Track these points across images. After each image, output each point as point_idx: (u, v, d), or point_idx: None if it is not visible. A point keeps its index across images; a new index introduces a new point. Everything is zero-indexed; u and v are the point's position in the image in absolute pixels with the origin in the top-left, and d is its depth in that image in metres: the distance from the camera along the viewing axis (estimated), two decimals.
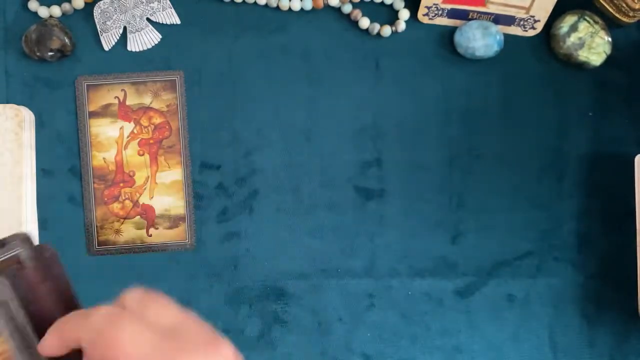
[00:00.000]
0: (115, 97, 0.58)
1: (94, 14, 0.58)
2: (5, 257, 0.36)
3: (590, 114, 0.61)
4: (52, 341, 0.35)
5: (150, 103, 0.59)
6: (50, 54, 0.57)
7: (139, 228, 0.58)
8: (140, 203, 0.58)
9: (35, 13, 0.58)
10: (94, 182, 0.58)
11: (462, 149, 0.60)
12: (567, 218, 0.60)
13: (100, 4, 0.58)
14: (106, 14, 0.58)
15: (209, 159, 0.59)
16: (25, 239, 0.37)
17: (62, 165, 0.58)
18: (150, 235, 0.58)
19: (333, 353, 0.59)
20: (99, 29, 0.58)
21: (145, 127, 0.59)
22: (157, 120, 0.59)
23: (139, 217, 0.58)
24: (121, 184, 0.58)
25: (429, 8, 0.58)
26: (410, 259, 0.60)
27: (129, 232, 0.58)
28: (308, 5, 0.59)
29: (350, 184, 0.59)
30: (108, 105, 0.58)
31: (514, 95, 0.60)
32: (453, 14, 0.59)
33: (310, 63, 0.59)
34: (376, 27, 0.59)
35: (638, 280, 0.57)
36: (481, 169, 0.60)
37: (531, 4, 0.58)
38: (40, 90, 0.58)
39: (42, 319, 0.35)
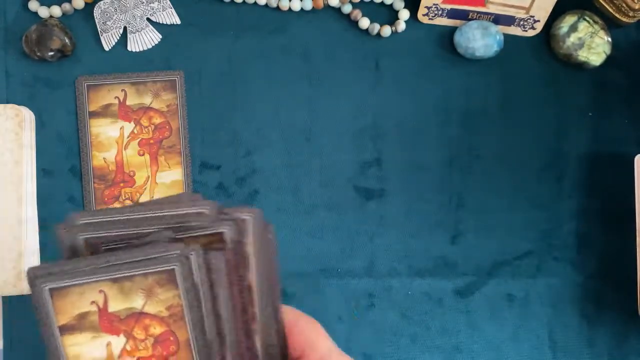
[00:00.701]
0: (116, 97, 0.58)
1: (94, 14, 0.58)
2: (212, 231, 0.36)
3: (590, 114, 0.61)
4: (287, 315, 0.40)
5: (151, 103, 0.59)
6: (50, 54, 0.57)
7: None
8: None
9: (36, 13, 0.58)
10: (94, 182, 0.58)
11: (462, 149, 0.60)
12: (567, 218, 0.60)
13: (101, 4, 0.58)
14: (106, 14, 0.58)
15: (209, 159, 0.59)
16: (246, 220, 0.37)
17: (62, 165, 0.58)
18: None
19: None
20: (99, 29, 0.59)
21: (146, 127, 0.59)
22: (157, 120, 0.59)
23: None
24: (121, 184, 0.58)
25: (428, 8, 0.58)
26: (410, 259, 0.60)
27: None
28: (308, 5, 0.59)
29: (350, 184, 0.60)
30: (108, 105, 0.58)
31: (513, 95, 0.60)
32: (453, 14, 0.59)
33: (310, 63, 0.59)
34: (376, 27, 0.59)
35: (638, 280, 0.57)
36: (481, 169, 0.60)
37: (531, 4, 0.58)
38: (40, 90, 0.58)
39: (218, 302, 0.37)
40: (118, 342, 0.36)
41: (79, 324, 0.36)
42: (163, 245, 0.35)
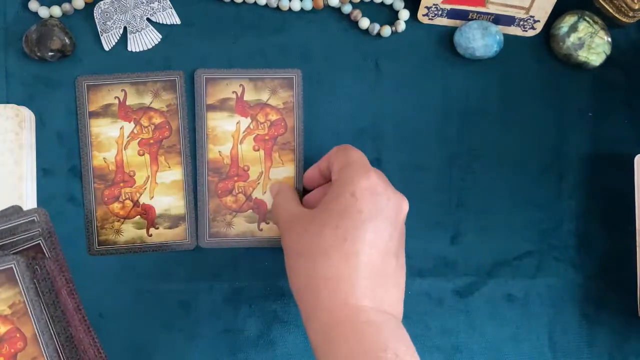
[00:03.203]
0: (116, 97, 0.58)
1: (95, 14, 0.58)
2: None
3: (590, 114, 0.61)
4: (314, 172, 0.56)
5: (151, 103, 0.59)
6: (50, 54, 0.57)
7: (139, 228, 0.58)
8: (141, 203, 0.58)
9: (36, 13, 0.58)
10: (94, 182, 0.58)
11: (462, 149, 0.60)
12: (567, 218, 0.60)
13: (101, 4, 0.58)
14: (106, 14, 0.58)
15: None
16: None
17: (62, 165, 0.58)
18: (151, 235, 0.58)
19: None
20: (99, 29, 0.59)
21: (146, 127, 0.59)
22: (157, 120, 0.59)
23: (139, 217, 0.58)
24: (121, 184, 0.58)
25: (428, 8, 0.58)
26: (410, 259, 0.59)
27: (129, 232, 0.58)
28: (308, 6, 0.59)
29: None
30: (108, 105, 0.58)
31: (513, 95, 0.60)
32: (453, 14, 0.59)
33: (310, 63, 0.59)
34: (376, 27, 0.59)
35: (638, 280, 0.57)
36: (481, 169, 0.60)
37: (531, 4, 0.58)
38: (40, 90, 0.58)
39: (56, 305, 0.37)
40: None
41: None
42: None
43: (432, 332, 0.59)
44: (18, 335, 0.36)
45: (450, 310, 0.60)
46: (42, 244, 0.38)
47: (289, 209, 0.53)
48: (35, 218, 0.39)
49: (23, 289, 0.35)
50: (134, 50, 0.59)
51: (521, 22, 0.59)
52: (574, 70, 0.60)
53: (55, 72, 0.58)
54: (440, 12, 0.59)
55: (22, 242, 0.38)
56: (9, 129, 0.56)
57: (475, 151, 0.60)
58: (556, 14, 0.58)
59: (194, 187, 0.59)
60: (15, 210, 0.39)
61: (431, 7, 0.58)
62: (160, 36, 0.59)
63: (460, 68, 0.60)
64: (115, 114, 0.59)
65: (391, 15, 0.60)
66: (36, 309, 0.35)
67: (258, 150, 0.59)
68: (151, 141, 0.59)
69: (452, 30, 0.60)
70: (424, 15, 0.59)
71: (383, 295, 0.47)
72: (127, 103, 0.59)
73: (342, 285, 0.45)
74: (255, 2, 0.59)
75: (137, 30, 0.59)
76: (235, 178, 0.59)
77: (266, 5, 0.59)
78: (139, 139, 0.59)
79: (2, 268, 0.36)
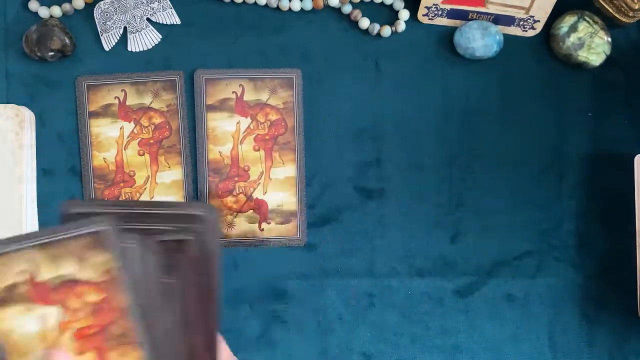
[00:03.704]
0: (116, 97, 0.58)
1: (95, 14, 0.58)
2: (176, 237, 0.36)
3: (590, 114, 0.61)
4: None
5: (151, 103, 0.59)
6: (50, 54, 0.57)
7: None
8: None
9: (36, 13, 0.58)
10: (94, 182, 0.58)
11: (462, 149, 0.60)
12: (567, 218, 0.60)
13: (101, 4, 0.58)
14: (106, 14, 0.58)
15: None
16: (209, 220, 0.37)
17: (62, 165, 0.58)
18: None
19: (333, 353, 0.59)
20: (99, 29, 0.59)
21: (146, 127, 0.59)
22: (157, 120, 0.59)
23: None
24: (121, 184, 0.58)
25: (428, 8, 0.58)
26: (410, 259, 0.60)
27: None
28: (308, 6, 0.59)
29: (350, 184, 0.60)
30: (108, 106, 0.58)
31: (513, 95, 0.60)
32: (453, 14, 0.59)
33: (310, 63, 0.59)
34: (376, 27, 0.59)
35: (638, 280, 0.57)
36: (481, 169, 0.60)
37: (531, 4, 0.58)
38: (40, 91, 0.58)
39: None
40: (53, 314, 0.34)
41: (8, 297, 0.34)
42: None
43: (432, 332, 0.59)
44: (109, 305, 0.34)
45: (450, 310, 0.60)
46: (192, 242, 0.37)
47: None
48: (205, 215, 0.37)
49: (116, 255, 0.34)
50: (134, 50, 0.59)
51: (521, 22, 0.59)
52: (574, 70, 0.60)
53: (55, 72, 0.58)
54: (440, 12, 0.59)
55: (178, 231, 0.37)
56: (9, 129, 0.56)
57: (475, 151, 0.60)
58: (556, 14, 0.58)
59: (194, 188, 0.59)
60: (191, 205, 0.38)
61: (431, 7, 0.58)
62: (160, 36, 0.59)
63: (460, 68, 0.60)
64: (115, 114, 0.59)
65: (391, 15, 0.60)
66: (129, 278, 0.34)
67: (258, 150, 0.59)
68: (151, 141, 0.59)
69: (452, 30, 0.60)
70: (424, 15, 0.59)
71: None
72: (127, 103, 0.59)
73: None
74: (255, 2, 0.59)
75: (137, 30, 0.59)
76: (236, 178, 0.59)
77: (266, 5, 0.59)
78: (139, 139, 0.59)
79: (91, 231, 0.34)
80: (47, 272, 0.34)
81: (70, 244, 0.34)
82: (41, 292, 0.34)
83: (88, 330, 0.34)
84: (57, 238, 0.33)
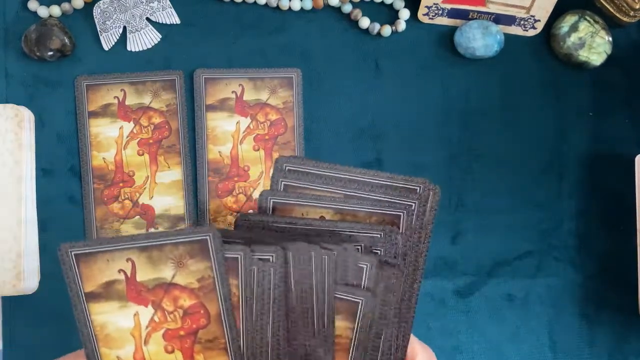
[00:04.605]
0: (115, 97, 0.58)
1: (94, 14, 0.58)
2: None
3: (590, 114, 0.61)
4: None
5: (150, 103, 0.59)
6: (50, 53, 0.57)
7: (138, 228, 0.58)
8: (140, 203, 0.58)
9: (35, 13, 0.58)
10: (93, 182, 0.58)
11: (462, 149, 0.60)
12: (567, 218, 0.60)
13: (100, 3, 0.58)
14: (106, 14, 0.58)
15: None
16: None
17: (62, 165, 0.58)
18: None
19: None
20: (98, 29, 0.58)
21: (145, 127, 0.59)
22: (157, 120, 0.59)
23: (138, 217, 0.58)
24: (121, 184, 0.58)
25: (429, 8, 0.58)
26: None
27: (128, 232, 0.58)
28: (308, 5, 0.59)
29: None
30: (108, 105, 0.58)
31: (514, 95, 0.60)
32: (453, 13, 0.59)
33: (310, 63, 0.59)
34: (376, 26, 0.59)
35: (638, 280, 0.57)
36: (481, 169, 0.60)
37: (531, 4, 0.57)
38: (40, 90, 0.58)
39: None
40: (146, 313, 0.35)
41: (106, 293, 0.35)
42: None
43: (433, 333, 0.59)
44: (202, 311, 0.35)
45: (450, 310, 0.60)
46: (402, 218, 0.37)
47: None
48: (418, 188, 0.38)
49: (214, 264, 0.35)
50: (133, 49, 0.59)
51: (522, 22, 0.59)
52: (574, 70, 0.60)
53: (55, 72, 0.58)
54: (440, 12, 0.59)
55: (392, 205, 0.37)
56: (8, 129, 0.56)
57: (475, 151, 0.60)
58: (557, 14, 0.58)
59: (193, 188, 0.59)
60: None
61: (431, 6, 0.58)
62: (160, 36, 0.59)
63: (461, 68, 0.60)
64: (115, 114, 0.58)
65: (391, 15, 0.60)
66: (224, 287, 0.35)
67: (258, 150, 0.59)
68: (150, 141, 0.59)
69: (452, 30, 0.60)
70: (424, 14, 0.59)
71: None
72: (127, 103, 0.58)
73: None
74: (255, 2, 0.59)
75: (137, 30, 0.59)
76: (236, 178, 0.59)
77: (266, 4, 0.59)
78: (139, 139, 0.58)
79: (196, 238, 0.35)
80: (146, 274, 0.35)
81: (172, 249, 0.35)
82: (137, 292, 0.35)
83: (178, 332, 0.35)
84: (160, 242, 0.35)
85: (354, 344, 0.36)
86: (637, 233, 0.57)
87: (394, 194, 0.36)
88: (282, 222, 0.36)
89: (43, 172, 0.58)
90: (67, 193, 0.58)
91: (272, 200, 0.36)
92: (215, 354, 0.36)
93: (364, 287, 0.35)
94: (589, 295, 0.60)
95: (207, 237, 0.35)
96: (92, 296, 0.35)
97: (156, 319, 0.36)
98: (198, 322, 0.35)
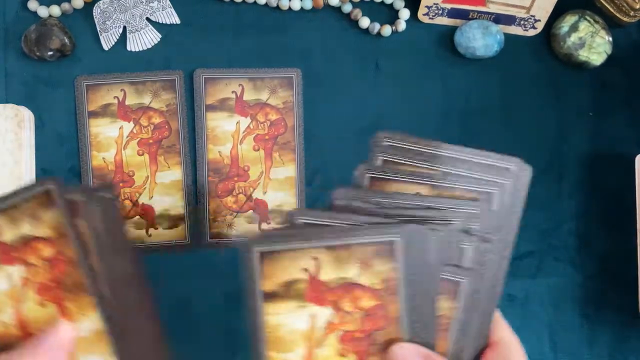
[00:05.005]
0: (115, 97, 0.58)
1: (94, 14, 0.58)
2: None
3: (591, 114, 0.61)
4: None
5: (150, 103, 0.59)
6: (49, 53, 0.57)
7: (138, 228, 0.58)
8: (140, 203, 0.58)
9: (35, 13, 0.58)
10: (93, 182, 0.58)
11: None
12: (567, 218, 0.60)
13: (100, 3, 0.58)
14: (106, 14, 0.58)
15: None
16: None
17: (62, 165, 0.58)
18: (150, 235, 0.58)
19: None
20: (98, 29, 0.58)
21: (145, 127, 0.58)
22: (157, 120, 0.59)
23: (138, 217, 0.58)
24: (121, 184, 0.58)
25: (429, 7, 0.58)
26: None
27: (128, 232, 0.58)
28: (308, 5, 0.59)
29: (350, 184, 0.59)
30: (107, 105, 0.58)
31: (513, 95, 0.60)
32: (453, 13, 0.59)
33: (310, 63, 0.59)
34: (376, 26, 0.59)
35: (638, 280, 0.57)
36: None
37: (532, 4, 0.57)
38: (39, 90, 0.58)
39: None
40: (323, 314, 0.34)
41: (285, 292, 0.34)
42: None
43: None
44: (383, 313, 0.34)
45: None
46: (496, 196, 0.36)
47: None
48: (512, 167, 0.37)
49: (401, 267, 0.34)
50: (133, 49, 0.59)
51: (522, 22, 0.59)
52: (575, 70, 0.60)
53: (55, 72, 0.58)
54: (440, 12, 0.59)
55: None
56: (8, 129, 0.56)
57: None
58: (557, 14, 0.58)
59: (193, 188, 0.59)
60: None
61: (432, 6, 0.58)
62: (160, 36, 0.59)
63: (461, 68, 0.60)
64: (115, 114, 0.58)
65: (391, 15, 0.60)
66: (410, 289, 0.34)
67: (258, 150, 0.59)
68: (150, 141, 0.59)
69: (452, 30, 0.60)
70: (424, 14, 0.59)
71: None
72: (127, 103, 0.58)
73: None
74: (255, 2, 0.59)
75: (137, 30, 0.59)
76: (236, 178, 0.59)
77: (266, 4, 0.59)
78: (138, 139, 0.58)
79: (384, 240, 0.34)
80: (329, 272, 0.34)
81: (360, 249, 0.34)
82: (318, 292, 0.34)
83: (354, 334, 0.34)
84: (347, 242, 0.34)
85: (455, 324, 0.35)
86: (637, 233, 0.57)
87: (490, 171, 0.36)
88: (379, 197, 0.35)
89: (43, 172, 0.58)
90: None
91: (368, 175, 0.35)
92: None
93: (464, 266, 0.35)
94: (589, 295, 0.60)
95: (397, 240, 0.34)
96: (271, 296, 0.34)
97: (334, 320, 0.34)
98: (377, 324, 0.34)
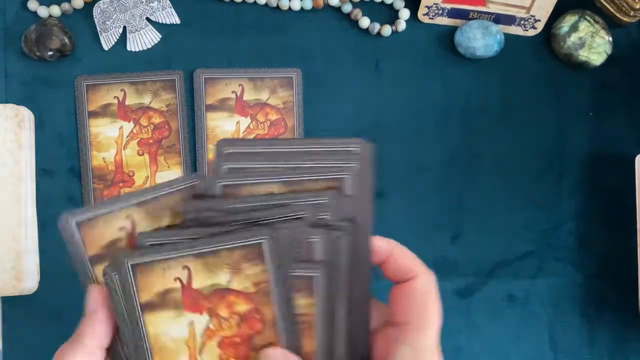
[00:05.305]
0: (115, 97, 0.58)
1: (94, 14, 0.58)
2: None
3: (591, 114, 0.61)
4: (382, 246, 0.37)
5: (150, 103, 0.59)
6: (49, 53, 0.57)
7: None
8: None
9: (35, 13, 0.58)
10: (93, 182, 0.58)
11: (462, 148, 0.60)
12: (567, 218, 0.60)
13: (100, 3, 0.58)
14: (106, 14, 0.58)
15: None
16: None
17: (62, 165, 0.58)
18: None
19: None
20: (98, 29, 0.58)
21: (145, 127, 0.58)
22: (157, 120, 0.59)
23: None
24: (121, 184, 0.58)
25: (429, 7, 0.58)
26: None
27: None
28: (308, 5, 0.59)
29: None
30: (107, 105, 0.58)
31: (514, 95, 0.60)
32: (453, 13, 0.59)
33: (310, 63, 0.59)
34: (376, 26, 0.59)
35: (638, 280, 0.57)
36: (481, 169, 0.60)
37: (532, 4, 0.57)
38: (39, 90, 0.58)
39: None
40: (201, 321, 0.35)
41: (161, 301, 0.34)
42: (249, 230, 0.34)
43: None
44: (258, 316, 0.35)
45: (450, 310, 0.59)
46: (347, 181, 0.36)
47: None
48: (357, 148, 0.37)
49: (270, 268, 0.34)
50: (133, 49, 0.59)
51: (522, 22, 0.59)
52: (575, 70, 0.60)
53: (55, 72, 0.58)
54: (440, 12, 0.59)
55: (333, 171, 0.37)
56: (8, 129, 0.56)
57: (475, 151, 0.60)
58: (557, 14, 0.58)
59: None
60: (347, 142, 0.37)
61: (432, 6, 0.58)
62: (160, 36, 0.59)
63: (461, 68, 0.60)
64: (115, 114, 0.58)
65: (391, 15, 0.60)
66: (281, 291, 0.34)
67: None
68: (150, 141, 0.59)
69: (452, 30, 0.60)
70: (424, 14, 0.59)
71: None
72: (127, 103, 0.58)
73: None
74: (255, 2, 0.59)
75: (137, 30, 0.59)
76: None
77: (266, 4, 0.59)
78: (138, 139, 0.58)
79: (251, 242, 0.34)
80: (202, 280, 0.34)
81: (228, 254, 0.34)
82: (193, 299, 0.34)
83: (233, 340, 0.35)
84: (214, 248, 0.34)
85: (318, 320, 0.35)
86: (637, 233, 0.57)
87: (335, 157, 0.36)
88: (230, 204, 0.35)
89: (43, 172, 0.58)
90: (67, 193, 0.58)
91: (219, 184, 0.36)
92: None
93: (315, 260, 0.35)
94: (589, 295, 0.60)
95: (264, 242, 0.34)
96: (149, 306, 0.34)
97: (211, 326, 0.35)
98: (254, 328, 0.35)
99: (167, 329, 0.34)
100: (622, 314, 0.59)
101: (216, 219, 0.35)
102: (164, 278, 0.34)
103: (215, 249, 0.34)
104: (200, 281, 0.34)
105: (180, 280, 0.34)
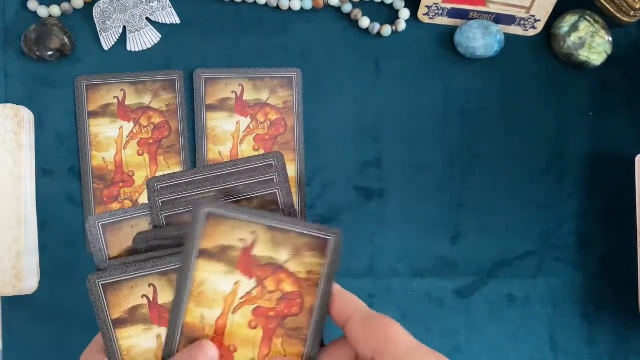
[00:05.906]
0: (115, 97, 0.58)
1: (94, 14, 0.58)
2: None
3: (591, 114, 0.61)
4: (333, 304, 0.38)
5: (150, 103, 0.59)
6: (49, 53, 0.57)
7: None
8: (140, 203, 0.58)
9: (35, 13, 0.58)
10: (93, 182, 0.58)
11: (462, 148, 0.60)
12: (567, 218, 0.60)
13: (100, 3, 0.58)
14: (106, 14, 0.58)
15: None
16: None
17: (62, 165, 0.58)
18: None
19: None
20: (98, 29, 0.58)
21: (145, 126, 0.58)
22: (157, 120, 0.59)
23: None
24: (120, 184, 0.58)
25: (429, 7, 0.58)
26: (410, 259, 0.60)
27: None
28: (308, 5, 0.59)
29: (350, 184, 0.59)
30: (107, 105, 0.58)
31: (514, 95, 0.60)
32: (453, 13, 0.59)
33: (310, 63, 0.59)
34: (376, 26, 0.59)
35: (638, 280, 0.57)
36: (481, 169, 0.60)
37: (532, 4, 0.57)
38: (39, 90, 0.58)
39: None
40: (247, 284, 0.37)
41: (219, 255, 0.37)
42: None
43: (432, 333, 0.59)
44: (299, 300, 0.37)
45: (450, 310, 0.60)
46: (278, 194, 0.40)
47: None
48: (273, 162, 0.41)
49: (327, 265, 0.37)
50: (133, 49, 0.59)
51: (522, 22, 0.59)
52: (575, 70, 0.60)
53: (55, 72, 0.58)
54: (440, 12, 0.59)
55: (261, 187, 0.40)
56: (8, 129, 0.56)
57: (476, 151, 0.60)
58: (557, 14, 0.58)
59: None
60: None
61: (432, 6, 0.58)
62: (160, 36, 0.59)
63: (461, 68, 0.60)
64: (115, 114, 0.58)
65: (391, 15, 0.60)
66: (327, 288, 0.37)
67: (258, 150, 0.59)
68: (150, 141, 0.59)
69: (452, 30, 0.60)
70: (424, 14, 0.59)
71: None
72: (126, 103, 0.58)
73: None
74: (255, 2, 0.59)
75: (137, 30, 0.59)
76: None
77: (266, 4, 0.59)
78: (138, 139, 0.58)
79: (320, 236, 0.37)
80: (263, 250, 0.37)
81: (296, 238, 0.37)
82: (248, 263, 0.37)
83: (268, 312, 0.37)
84: (287, 227, 0.37)
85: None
86: (637, 233, 0.57)
87: (257, 174, 0.39)
88: (175, 231, 0.38)
89: (43, 172, 0.58)
90: (67, 193, 0.58)
91: (163, 215, 0.39)
92: (294, 343, 0.37)
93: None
94: (589, 295, 0.60)
95: (331, 239, 0.37)
96: (206, 254, 0.37)
97: (254, 293, 0.37)
98: (291, 309, 0.37)
99: (214, 279, 0.37)
100: (622, 314, 0.59)
101: (163, 246, 0.38)
102: (231, 235, 0.37)
103: (287, 228, 0.37)
104: (262, 250, 0.37)
105: (244, 242, 0.37)
